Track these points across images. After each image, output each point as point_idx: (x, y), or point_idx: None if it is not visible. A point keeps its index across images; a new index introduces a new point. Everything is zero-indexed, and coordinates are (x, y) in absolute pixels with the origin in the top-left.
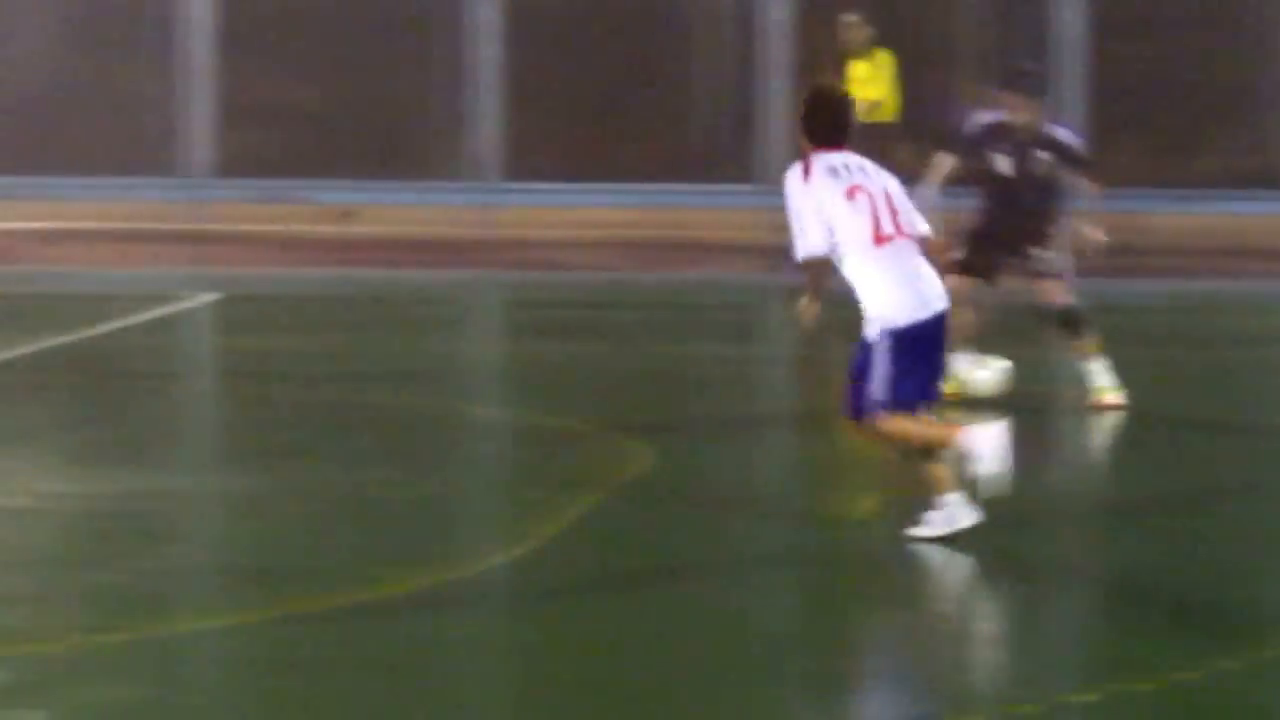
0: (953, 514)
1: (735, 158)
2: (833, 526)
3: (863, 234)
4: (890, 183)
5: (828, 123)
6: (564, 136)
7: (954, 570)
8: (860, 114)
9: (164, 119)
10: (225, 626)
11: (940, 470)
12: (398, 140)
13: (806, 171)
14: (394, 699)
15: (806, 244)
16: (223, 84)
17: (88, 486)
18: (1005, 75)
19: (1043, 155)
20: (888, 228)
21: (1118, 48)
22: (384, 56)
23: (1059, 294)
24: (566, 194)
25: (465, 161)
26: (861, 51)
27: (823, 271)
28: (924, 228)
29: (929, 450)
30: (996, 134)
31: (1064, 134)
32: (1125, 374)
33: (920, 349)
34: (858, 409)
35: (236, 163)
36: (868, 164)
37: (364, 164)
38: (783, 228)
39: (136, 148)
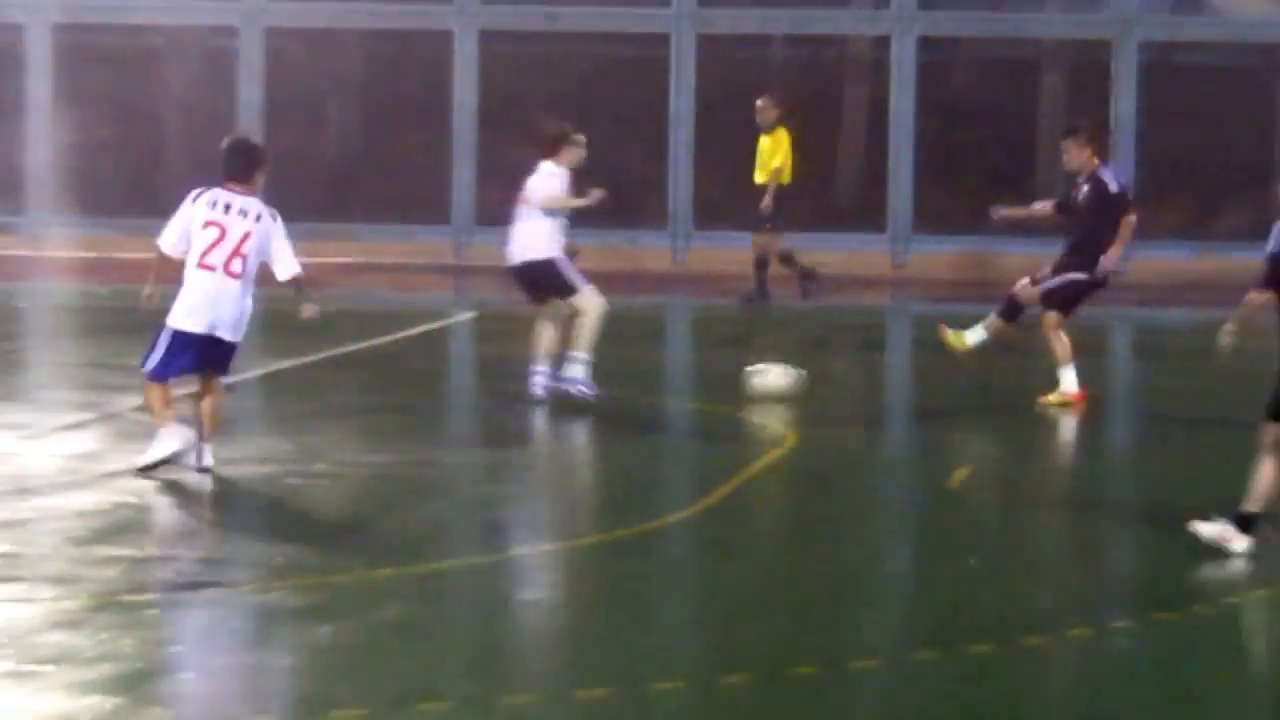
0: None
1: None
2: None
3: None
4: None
5: None
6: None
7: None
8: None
9: (437, 178)
10: (472, 565)
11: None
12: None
13: None
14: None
15: None
16: (482, 152)
17: (374, 457)
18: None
19: (1086, 190)
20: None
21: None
22: (609, 139)
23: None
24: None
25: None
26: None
27: None
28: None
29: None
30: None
31: (1107, 173)
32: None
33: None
34: None
35: (491, 214)
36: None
37: (590, 213)
38: None
39: (416, 200)
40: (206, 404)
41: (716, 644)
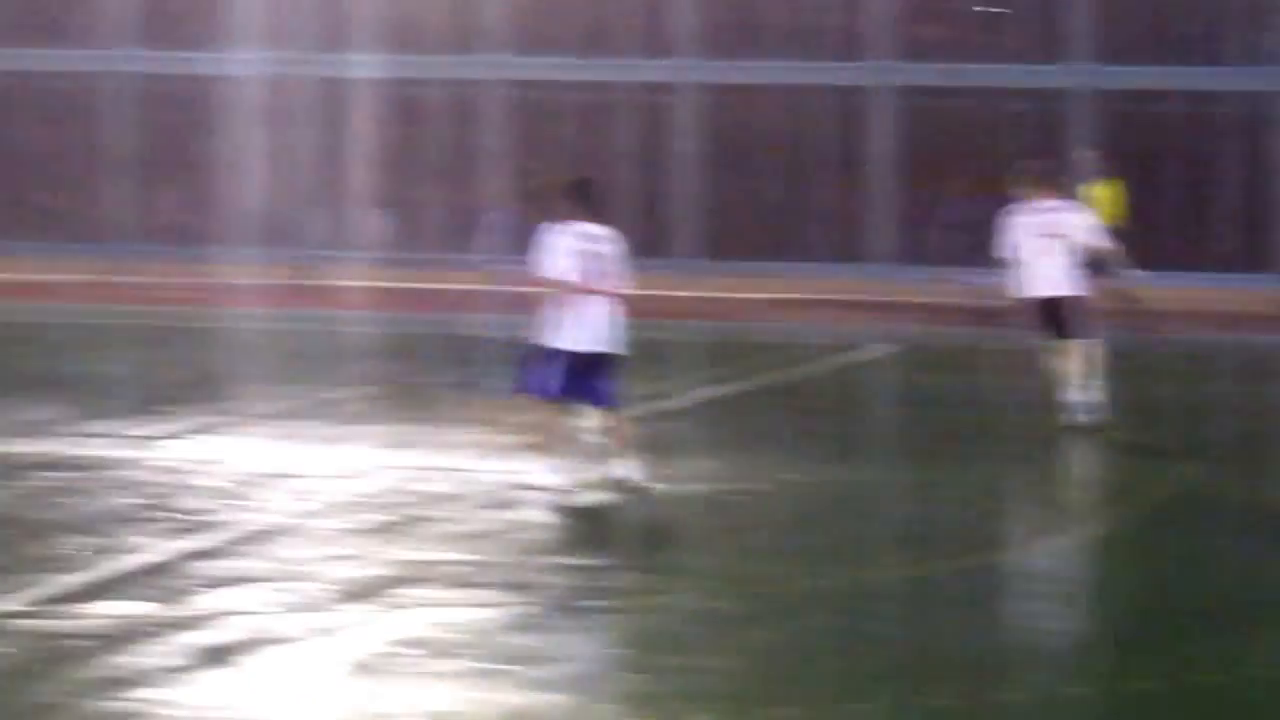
0: None
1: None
2: None
3: None
4: None
5: None
6: None
7: None
8: None
9: (850, 222)
10: (898, 576)
11: None
12: None
13: None
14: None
15: None
16: (895, 197)
17: (803, 476)
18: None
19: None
20: None
21: None
22: None
23: None
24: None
25: None
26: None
27: None
28: None
29: None
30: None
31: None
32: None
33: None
34: None
35: (907, 253)
36: None
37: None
38: None
39: (831, 241)
40: (615, 424)
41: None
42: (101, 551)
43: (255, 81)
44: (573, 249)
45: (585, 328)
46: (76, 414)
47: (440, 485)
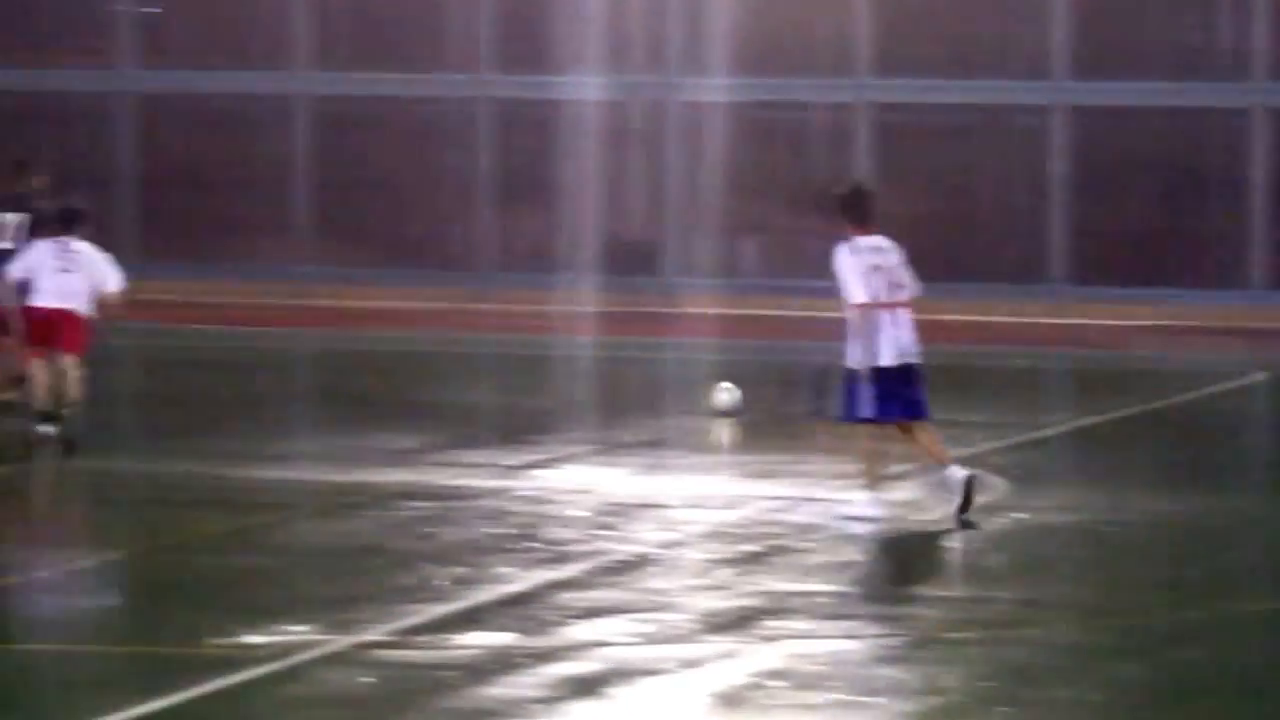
0: None
1: None
2: None
3: None
4: None
5: None
6: None
7: None
8: None
9: (1227, 248)
10: (1263, 610)
11: None
12: None
13: None
14: None
15: None
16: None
17: (1177, 506)
18: None
19: None
20: None
21: None
22: None
23: None
24: None
25: None
26: None
27: None
28: None
29: None
30: None
31: None
32: None
33: None
34: None
35: None
36: None
37: None
38: None
39: (1206, 267)
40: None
41: None
42: (466, 581)
43: (614, 106)
44: (863, 265)
45: (888, 342)
46: (442, 443)
47: (805, 516)
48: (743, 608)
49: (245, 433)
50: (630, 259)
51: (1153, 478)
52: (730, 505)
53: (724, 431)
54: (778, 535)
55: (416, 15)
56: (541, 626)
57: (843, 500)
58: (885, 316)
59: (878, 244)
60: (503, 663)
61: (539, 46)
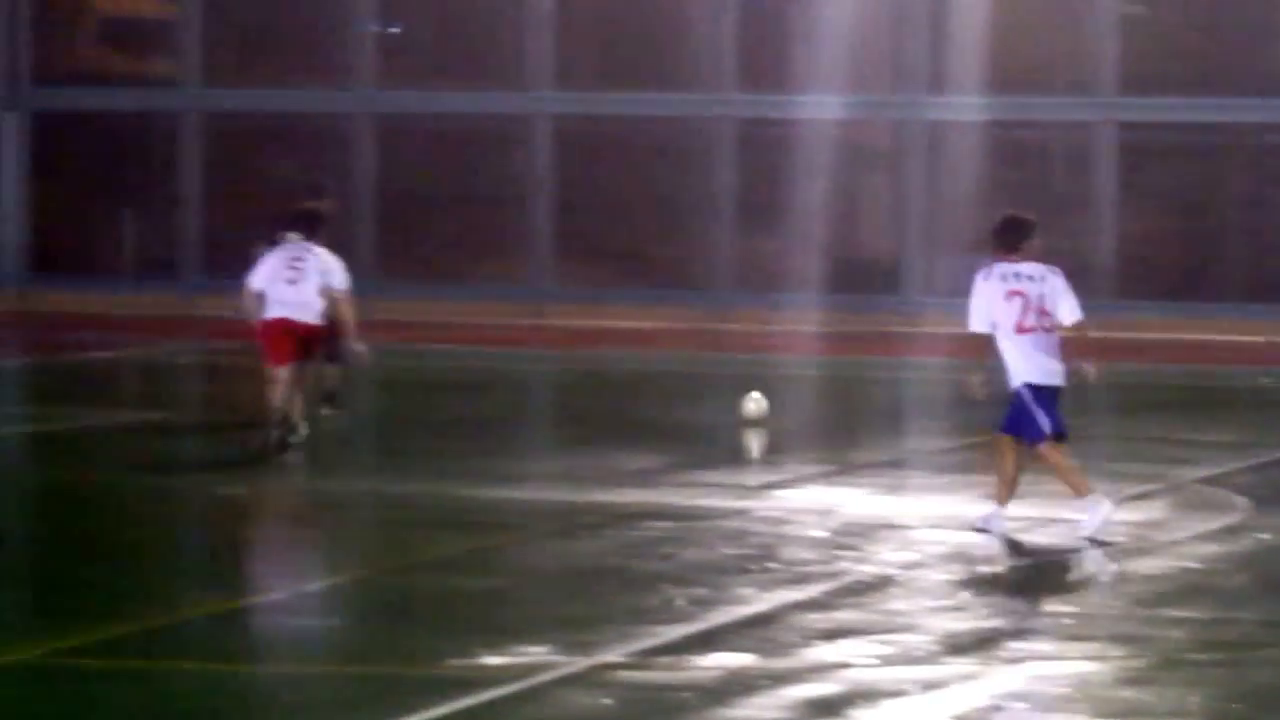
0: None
1: None
2: None
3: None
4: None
5: None
6: None
7: None
8: None
9: None
10: None
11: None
12: None
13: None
14: None
15: None
16: None
17: None
18: None
19: None
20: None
21: None
22: None
23: None
24: None
25: None
26: None
27: None
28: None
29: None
30: None
31: None
32: None
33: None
34: None
35: None
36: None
37: None
38: None
39: None
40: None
41: None
42: (706, 602)
43: (855, 124)
44: (999, 291)
45: (1031, 363)
46: (681, 463)
47: (1050, 536)
48: (984, 629)
49: (484, 453)
50: (870, 278)
51: None
52: (971, 525)
53: (967, 452)
54: (1018, 556)
55: (655, 34)
56: (779, 648)
57: (1081, 520)
58: (1026, 340)
59: (1022, 271)
60: (742, 684)
61: (780, 65)
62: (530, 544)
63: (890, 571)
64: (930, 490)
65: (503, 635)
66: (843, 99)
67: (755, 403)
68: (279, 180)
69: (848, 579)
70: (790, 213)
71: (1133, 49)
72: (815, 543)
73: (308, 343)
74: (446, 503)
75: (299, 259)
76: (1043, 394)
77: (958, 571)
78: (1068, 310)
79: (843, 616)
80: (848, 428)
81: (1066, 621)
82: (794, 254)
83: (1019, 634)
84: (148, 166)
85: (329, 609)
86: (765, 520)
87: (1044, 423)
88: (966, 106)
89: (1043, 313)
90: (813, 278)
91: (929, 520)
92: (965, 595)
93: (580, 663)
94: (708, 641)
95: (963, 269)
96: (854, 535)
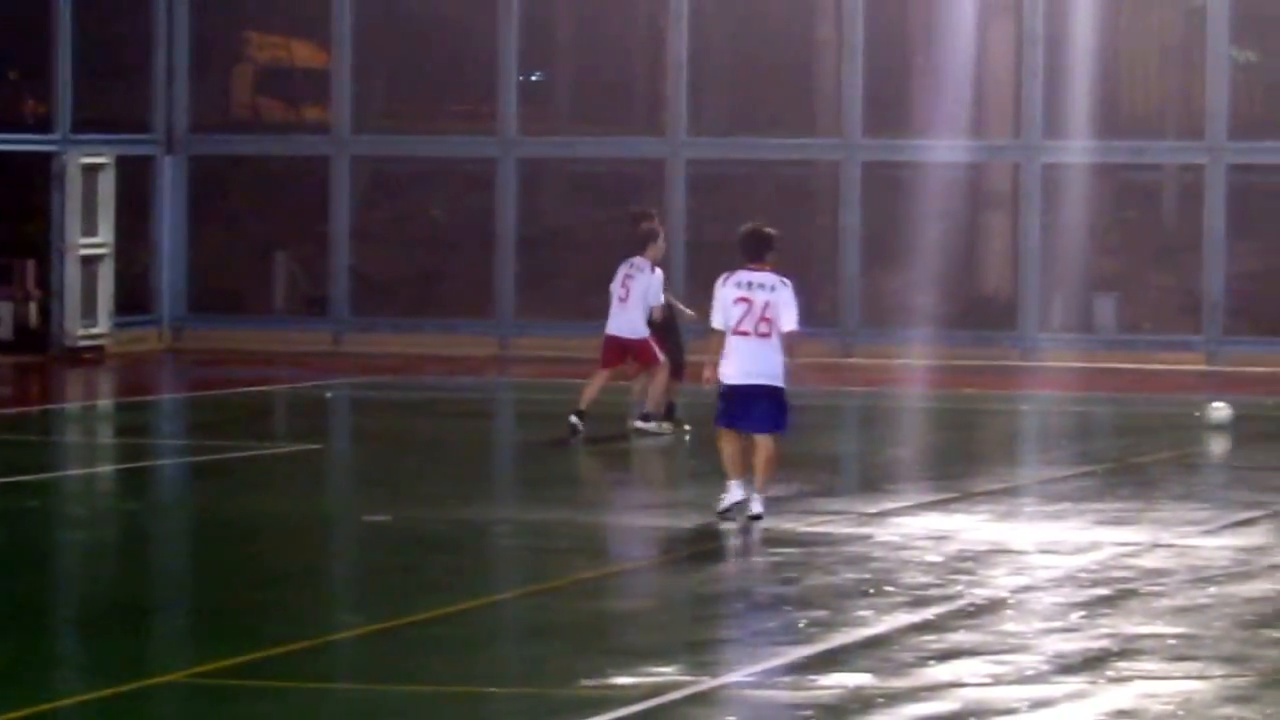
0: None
1: None
2: None
3: None
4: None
5: None
6: None
7: None
8: None
9: None
10: None
11: None
12: None
13: None
14: None
15: None
16: None
17: None
18: None
19: None
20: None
21: None
22: None
23: None
24: None
25: None
26: None
27: None
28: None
29: None
30: None
31: None
32: None
33: None
34: None
35: None
36: None
37: None
38: None
39: None
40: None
41: None
42: (826, 624)
43: (975, 167)
44: (731, 296)
45: (731, 363)
46: (807, 491)
47: (1157, 560)
48: (1093, 649)
49: (616, 482)
50: (990, 316)
51: None
52: (1083, 550)
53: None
54: (1128, 580)
55: (784, 80)
56: (897, 668)
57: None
58: (744, 342)
59: (753, 279)
60: (861, 703)
61: (903, 110)
62: (662, 569)
63: (1004, 594)
64: (1042, 517)
65: (633, 656)
66: (962, 142)
67: (1218, 410)
68: (426, 221)
69: (963, 601)
70: (913, 253)
71: (1244, 92)
72: (933, 567)
73: (633, 354)
74: (581, 530)
75: (626, 278)
76: (737, 391)
77: (1068, 594)
78: (788, 320)
79: (957, 638)
80: (966, 458)
81: (1171, 642)
82: (917, 292)
83: (1126, 654)
84: (300, 209)
85: (466, 632)
86: (885, 546)
87: (720, 413)
88: (1081, 149)
89: (764, 320)
90: (935, 315)
91: (1041, 545)
92: (1075, 617)
93: (706, 682)
94: (828, 662)
95: (1079, 306)
96: (970, 560)
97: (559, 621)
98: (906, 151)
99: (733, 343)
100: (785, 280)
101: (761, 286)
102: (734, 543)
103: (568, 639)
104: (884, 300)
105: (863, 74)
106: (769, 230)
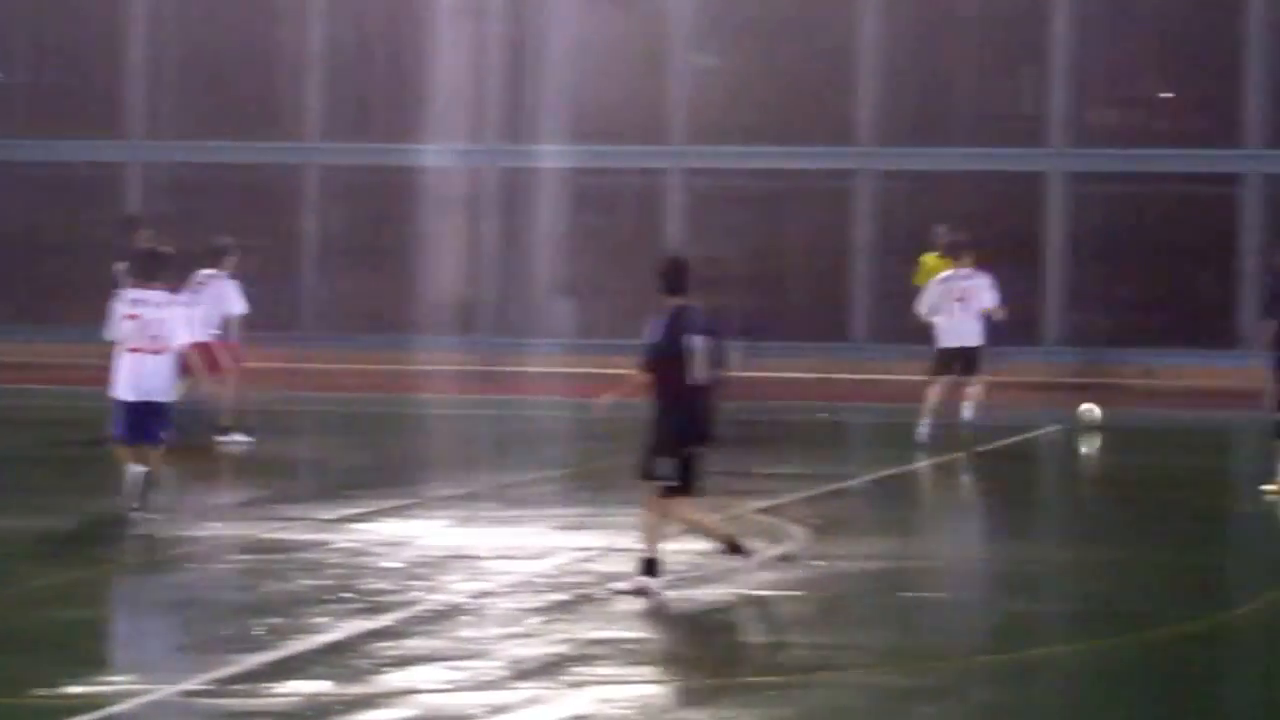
0: None
1: None
2: None
3: None
4: None
5: None
6: None
7: None
8: None
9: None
10: (1056, 653)
11: None
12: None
13: None
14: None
15: None
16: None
17: (979, 554)
18: None
19: None
20: None
21: None
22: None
23: None
24: None
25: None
26: None
27: None
28: None
29: None
30: None
31: None
32: None
33: None
34: None
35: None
36: None
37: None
38: None
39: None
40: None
41: None
42: (282, 632)
43: (448, 172)
44: (124, 311)
45: (121, 377)
46: (265, 497)
47: (614, 565)
48: (550, 654)
49: (77, 489)
50: (460, 320)
51: (964, 527)
52: (542, 556)
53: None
54: (584, 585)
55: (246, 85)
56: (355, 675)
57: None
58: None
59: (144, 296)
60: (317, 710)
61: (365, 114)
62: (122, 576)
63: (461, 600)
64: (501, 523)
65: (86, 665)
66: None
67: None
68: None
69: (422, 607)
70: (383, 256)
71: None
72: (392, 573)
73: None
74: (47, 535)
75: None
76: (123, 407)
77: (525, 600)
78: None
79: (414, 644)
80: (429, 464)
81: (628, 646)
82: (386, 296)
83: (583, 659)
84: None
85: None
86: (345, 552)
87: (116, 427)
88: (546, 154)
89: (155, 337)
90: (403, 319)
91: (499, 551)
92: (532, 622)
93: (161, 691)
94: (285, 669)
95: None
96: (429, 565)
97: (8, 629)
98: (368, 155)
99: (124, 360)
100: (178, 297)
101: (150, 304)
102: (194, 549)
103: (18, 648)
104: (342, 304)
105: (320, 76)
106: (165, 249)
